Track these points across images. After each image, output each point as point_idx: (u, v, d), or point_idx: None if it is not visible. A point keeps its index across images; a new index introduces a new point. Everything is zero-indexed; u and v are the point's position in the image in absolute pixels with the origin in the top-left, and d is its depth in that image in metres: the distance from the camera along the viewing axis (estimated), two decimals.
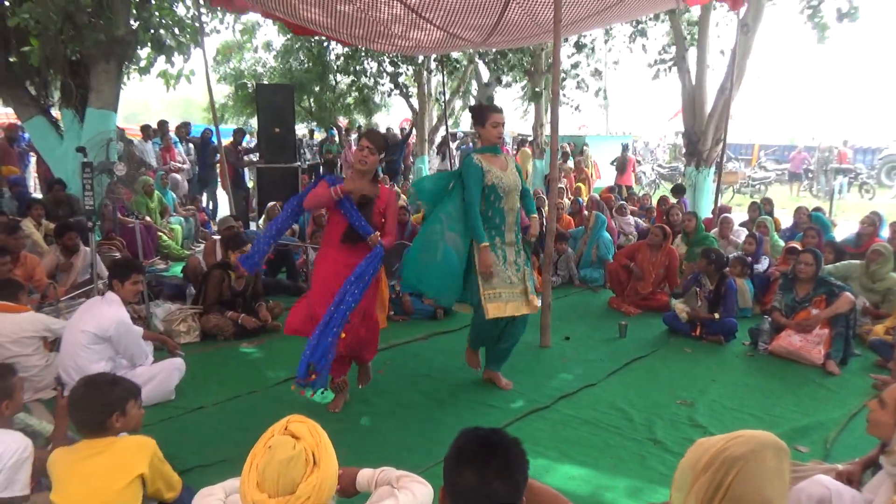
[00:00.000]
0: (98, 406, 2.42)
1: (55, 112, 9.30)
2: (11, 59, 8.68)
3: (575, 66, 14.49)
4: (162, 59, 9.37)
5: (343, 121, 19.41)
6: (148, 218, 8.63)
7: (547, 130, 14.06)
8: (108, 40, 8.33)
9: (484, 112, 4.11)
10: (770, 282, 6.40)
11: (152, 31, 8.96)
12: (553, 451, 3.57)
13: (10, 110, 11.05)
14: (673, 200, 9.87)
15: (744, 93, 10.39)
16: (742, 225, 8.29)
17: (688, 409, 4.14)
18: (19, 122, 10.56)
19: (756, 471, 1.53)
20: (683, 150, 12.01)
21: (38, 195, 10.26)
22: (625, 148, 14.74)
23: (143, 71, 9.71)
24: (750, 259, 6.50)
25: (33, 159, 11.76)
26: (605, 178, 15.45)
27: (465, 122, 25.97)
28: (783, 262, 6.42)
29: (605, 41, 14.58)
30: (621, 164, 14.46)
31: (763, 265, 6.66)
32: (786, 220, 8.99)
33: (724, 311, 5.52)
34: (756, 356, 5.22)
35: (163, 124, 12.03)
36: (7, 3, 8.33)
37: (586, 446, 3.65)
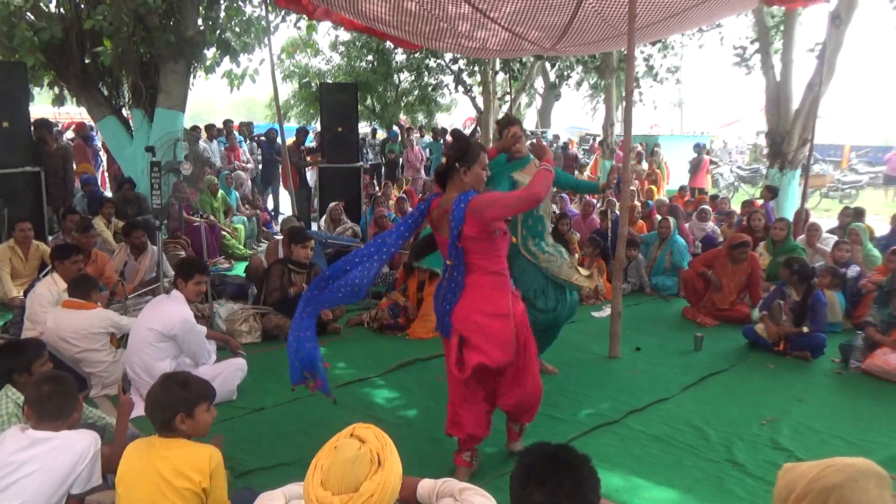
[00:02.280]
0: (163, 405, 2.49)
1: (125, 112, 9.75)
2: (87, 61, 9.16)
3: (647, 60, 14.19)
4: (227, 58, 9.70)
5: (405, 119, 19.60)
6: (212, 217, 8.93)
7: (618, 129, 13.81)
8: (178, 41, 8.69)
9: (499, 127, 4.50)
10: (863, 295, 6.07)
11: (219, 32, 9.29)
12: (623, 469, 3.48)
13: (82, 110, 11.66)
14: (760, 201, 9.50)
15: (834, 90, 9.96)
16: (831, 231, 7.91)
17: (770, 430, 3.96)
18: (89, 123, 11.17)
19: (855, 502, 1.44)
20: (765, 151, 11.56)
21: (109, 194, 10.77)
22: (699, 148, 14.29)
23: (209, 70, 10.06)
24: (844, 270, 6.18)
25: (104, 158, 12.36)
26: (675, 180, 15.04)
27: (530, 121, 25.82)
28: (884, 270, 6.06)
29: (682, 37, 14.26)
30: (695, 166, 14.05)
31: (852, 274, 6.32)
32: (881, 228, 8.52)
33: (814, 325, 5.27)
34: (847, 375, 4.96)
35: (227, 123, 12.44)
36: (82, 7, 8.80)
37: (659, 465, 3.54)
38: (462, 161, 3.20)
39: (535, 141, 3.84)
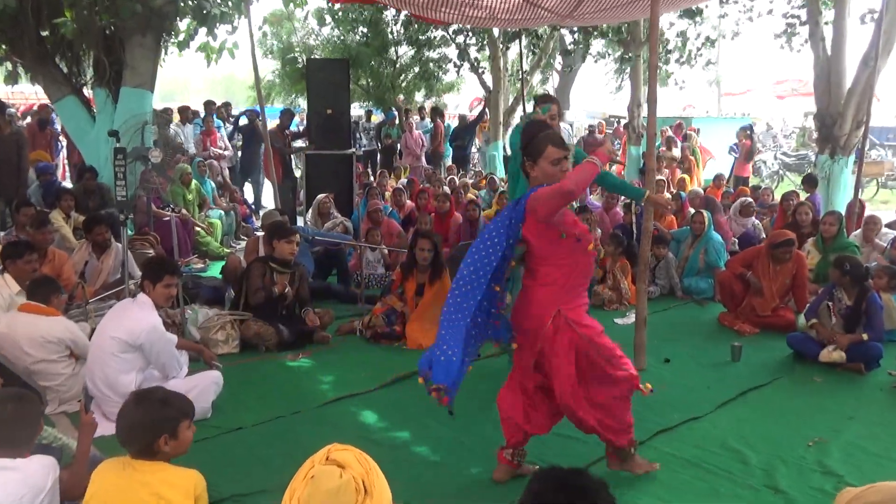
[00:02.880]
0: (144, 427, 2.50)
1: (87, 91, 9.76)
2: (44, 34, 9.16)
3: (682, 35, 14.17)
4: (203, 31, 9.70)
5: (404, 100, 19.62)
6: (185, 211, 8.94)
7: (645, 111, 13.78)
8: (146, 10, 8.66)
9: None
10: None
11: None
12: (649, 498, 3.47)
13: (39, 89, 11.68)
14: (802, 196, 9.45)
15: (893, 65, 9.89)
16: (889, 226, 7.88)
17: (818, 453, 3.95)
18: (50, 104, 11.19)
19: None
20: (815, 135, 11.50)
21: (68, 184, 10.79)
22: (748, 132, 14.12)
23: (182, 45, 10.07)
24: None
25: (64, 144, 12.39)
26: (712, 167, 14.99)
27: None
28: None
29: (721, 4, 14.22)
30: (746, 152, 13.93)
31: None
32: None
33: (871, 332, 5.24)
34: None
35: (209, 104, 12.46)
36: None
37: (691, 492, 3.53)
38: (526, 155, 3.32)
39: (597, 136, 3.82)
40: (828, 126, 10.13)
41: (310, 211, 8.65)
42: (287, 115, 11.64)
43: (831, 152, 10.13)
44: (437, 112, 16.01)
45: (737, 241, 8.49)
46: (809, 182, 9.94)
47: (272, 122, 11.07)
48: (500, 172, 14.61)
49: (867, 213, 8.10)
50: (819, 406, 4.65)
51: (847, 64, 10.07)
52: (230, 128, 12.67)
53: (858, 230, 7.48)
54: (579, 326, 3.34)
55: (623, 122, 17.58)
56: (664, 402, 4.64)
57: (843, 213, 8.26)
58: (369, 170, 13.98)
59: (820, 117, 10.33)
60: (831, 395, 4.84)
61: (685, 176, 12.36)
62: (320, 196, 8.54)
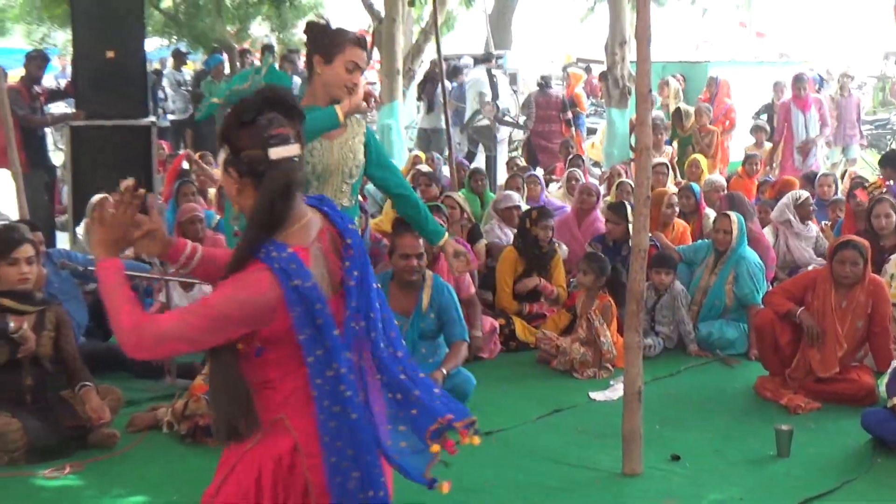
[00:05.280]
0: None
1: None
2: None
3: None
4: None
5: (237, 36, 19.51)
6: None
7: (632, 53, 14.06)
8: None
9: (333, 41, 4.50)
10: None
11: None
12: None
13: None
14: (880, 183, 9.73)
15: None
16: None
17: None
18: None
19: None
20: None
21: None
22: (805, 83, 14.56)
23: None
24: None
25: None
26: (740, 141, 15.45)
27: (473, 40, 26.11)
28: None
29: None
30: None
31: None
32: None
33: None
34: None
35: None
36: None
37: None
38: None
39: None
40: None
41: (82, 222, 8.50)
42: (37, 60, 11.44)
43: None
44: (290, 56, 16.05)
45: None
46: (891, 164, 10.22)
47: (12, 74, 10.87)
48: (398, 151, 14.64)
49: None
50: None
51: None
52: None
53: None
54: None
55: (598, 70, 17.91)
56: None
57: None
58: (182, 151, 13.80)
59: None
60: None
61: (699, 157, 12.35)
62: (97, 197, 8.40)
